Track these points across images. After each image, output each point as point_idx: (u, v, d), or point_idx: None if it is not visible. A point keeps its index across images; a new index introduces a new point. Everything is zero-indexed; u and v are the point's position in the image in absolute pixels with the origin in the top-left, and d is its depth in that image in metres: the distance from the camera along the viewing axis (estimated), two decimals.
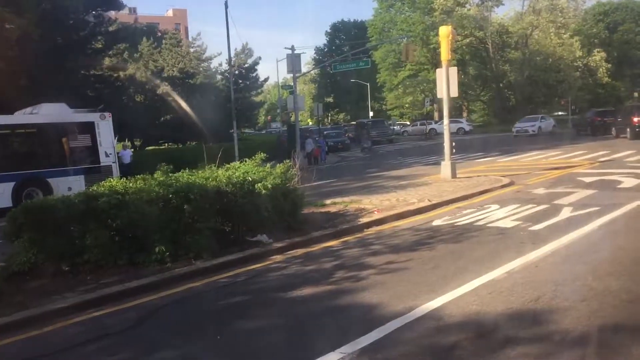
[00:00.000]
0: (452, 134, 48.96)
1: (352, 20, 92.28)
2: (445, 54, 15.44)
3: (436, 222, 10.76)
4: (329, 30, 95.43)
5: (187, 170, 9.96)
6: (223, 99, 40.34)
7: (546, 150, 25.54)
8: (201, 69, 47.56)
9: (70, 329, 6.17)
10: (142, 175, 9.09)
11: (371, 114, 77.11)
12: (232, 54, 52.07)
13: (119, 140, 34.62)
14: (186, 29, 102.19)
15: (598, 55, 62.35)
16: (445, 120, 16.04)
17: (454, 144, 16.54)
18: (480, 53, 69.61)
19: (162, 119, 33.07)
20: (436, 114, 75.98)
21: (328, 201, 13.45)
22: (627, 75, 69.63)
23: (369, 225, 10.77)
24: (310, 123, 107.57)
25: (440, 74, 15.81)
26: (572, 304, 5.76)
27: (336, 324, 5.73)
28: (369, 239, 9.81)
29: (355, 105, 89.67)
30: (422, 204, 12.30)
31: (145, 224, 7.97)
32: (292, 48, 30.61)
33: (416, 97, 69.98)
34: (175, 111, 34.86)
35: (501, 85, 69.07)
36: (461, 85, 68.91)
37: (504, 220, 10.32)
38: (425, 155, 28.76)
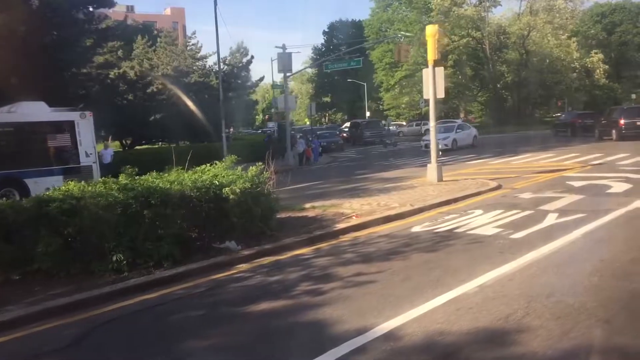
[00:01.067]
0: None
1: (350, 19, 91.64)
2: (431, 53, 15.00)
3: (415, 229, 10.33)
4: (326, 30, 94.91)
5: (155, 172, 9.51)
6: (217, 97, 39.84)
7: (539, 153, 25.13)
8: (195, 67, 47.13)
9: (2, 347, 5.73)
10: (103, 179, 8.65)
11: (368, 114, 76.85)
12: (228, 53, 52.01)
13: (111, 139, 34.29)
14: (184, 27, 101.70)
15: (595, 57, 62.01)
16: (432, 122, 15.60)
17: (440, 146, 16.08)
18: (478, 54, 69.22)
19: (152, 118, 32.55)
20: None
21: (308, 205, 13.02)
22: (625, 77, 69.33)
23: (345, 231, 10.34)
24: (308, 123, 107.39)
25: (427, 74, 15.38)
26: (544, 323, 5.34)
27: (287, 345, 5.30)
28: (343, 246, 9.38)
29: (353, 105, 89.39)
30: (403, 209, 11.87)
31: (101, 231, 7.54)
32: (284, 47, 30.22)
33: (413, 98, 69.47)
34: (166, 110, 34.41)
35: (498, 86, 68.72)
36: (458, 85, 68.91)
37: (485, 227, 9.89)
38: (417, 157, 28.32)
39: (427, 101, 53.54)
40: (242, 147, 32.94)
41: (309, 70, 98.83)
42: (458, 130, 33.91)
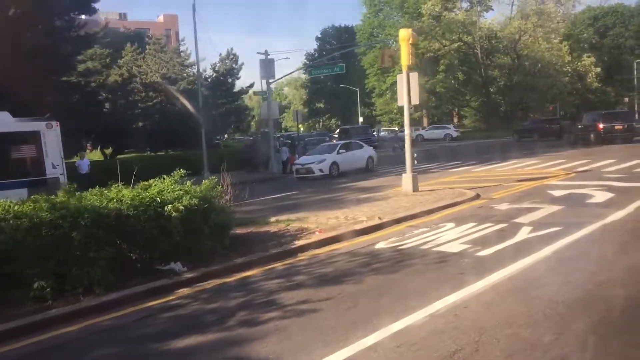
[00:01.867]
0: (439, 140, 48.62)
1: (342, 25, 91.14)
2: (405, 58, 14.38)
3: (379, 245, 9.69)
4: (319, 36, 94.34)
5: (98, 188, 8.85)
6: (205, 104, 39.19)
7: (525, 159, 24.56)
8: (185, 74, 46.52)
9: None
10: (34, 196, 7.99)
11: (361, 119, 76.36)
12: (217, 60, 51.39)
13: (91, 148, 33.63)
14: (177, 34, 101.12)
15: (587, 60, 61.56)
16: (407, 130, 14.96)
17: (415, 154, 15.47)
18: (470, 58, 68.73)
19: (134, 126, 31.94)
20: (425, 120, 75.31)
21: (273, 219, 12.38)
22: (618, 80, 68.87)
23: (304, 248, 9.69)
24: (302, 129, 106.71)
25: (401, 80, 14.76)
26: None
27: None
28: (298, 266, 8.73)
29: (347, 111, 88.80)
30: (370, 223, 11.24)
31: (20, 256, 6.87)
32: (266, 53, 29.60)
33: None
34: (150, 118, 33.86)
35: (491, 90, 68.21)
36: (450, 90, 68.37)
37: (452, 244, 9.25)
38: (402, 164, 27.57)
39: (415, 107, 53.05)
40: (225, 155, 32.27)
41: (303, 76, 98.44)
42: (341, 151, 25.79)
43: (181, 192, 8.71)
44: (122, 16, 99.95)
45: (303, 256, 9.34)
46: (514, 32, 61.92)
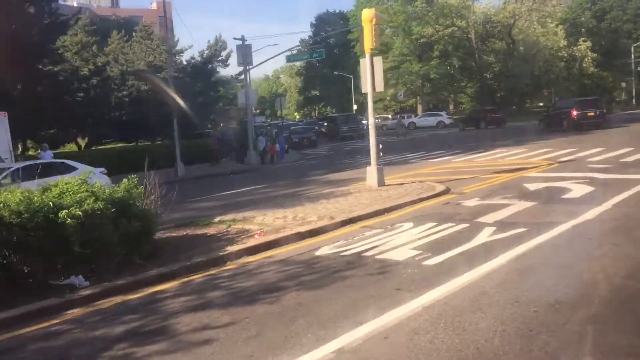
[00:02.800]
0: (431, 127, 47.58)
1: (337, 11, 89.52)
2: (368, 41, 13.15)
3: (321, 251, 8.57)
4: (314, 22, 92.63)
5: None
6: (184, 93, 37.78)
7: (512, 148, 23.38)
8: (172, 62, 45.17)
9: None
10: None
11: (355, 107, 74.96)
12: (205, 47, 49.96)
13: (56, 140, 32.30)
14: (171, 21, 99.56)
15: (583, 45, 60.02)
16: (370, 119, 13.76)
17: (381, 146, 14.30)
18: (464, 44, 67.11)
19: (107, 117, 30.69)
20: (419, 107, 73.88)
21: (217, 219, 11.27)
22: (616, 65, 67.27)
23: (236, 255, 8.58)
24: (298, 117, 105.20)
25: (364, 65, 13.55)
26: None
27: None
28: (219, 278, 7.63)
29: (342, 99, 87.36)
30: (320, 224, 10.13)
31: None
32: (242, 38, 28.36)
33: (398, 90, 67.40)
34: (126, 108, 32.68)
35: (487, 76, 66.68)
36: (445, 77, 67.00)
37: (401, 250, 8.15)
38: (385, 154, 26.48)
39: (404, 94, 51.39)
40: (201, 147, 31.22)
41: (297, 63, 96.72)
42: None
43: (85, 194, 7.59)
44: (114, 3, 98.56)
45: (231, 265, 8.24)
46: (508, 17, 60.37)
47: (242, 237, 9.51)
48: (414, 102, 75.86)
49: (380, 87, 13.42)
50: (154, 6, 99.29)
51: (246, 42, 28.21)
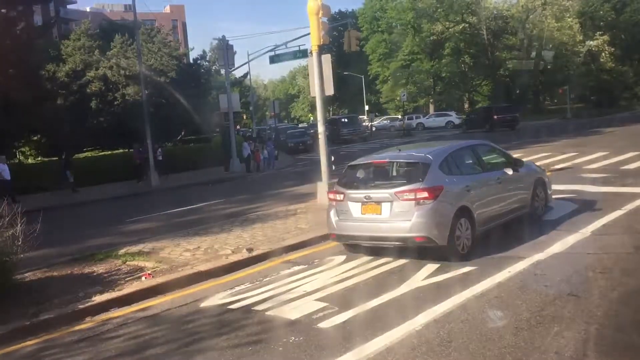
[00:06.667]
0: (440, 128, 45.28)
1: (350, 10, 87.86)
2: (315, 37, 11.24)
3: (208, 302, 6.80)
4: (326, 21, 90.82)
5: None
6: (185, 98, 36.01)
7: (510, 151, 21.17)
8: (174, 66, 43.77)
9: None
10: None
11: (367, 107, 72.83)
12: (208, 49, 48.53)
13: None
14: (184, 24, 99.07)
15: (600, 39, 57.01)
16: (320, 128, 11.81)
17: (333, 158, 12.39)
18: (476, 40, 64.51)
19: (87, 124, 29.14)
20: (431, 107, 71.35)
21: (123, 250, 9.53)
22: (636, 60, 64.01)
23: (104, 307, 6.84)
24: (312, 119, 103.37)
25: (311, 63, 11.65)
26: None
27: None
28: (53, 347, 5.87)
29: (355, 99, 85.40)
30: (232, 259, 8.37)
31: None
32: (223, 38, 26.66)
33: (409, 89, 65.09)
34: (107, 114, 31.22)
35: (502, 73, 63.93)
36: (457, 75, 64.48)
37: (303, 301, 6.38)
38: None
39: (408, 94, 49.30)
40: (186, 153, 29.63)
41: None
42: None
43: None
44: (127, 8, 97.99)
45: (87, 323, 6.47)
46: (521, 11, 57.70)
47: (128, 279, 7.77)
48: (425, 102, 73.44)
49: (329, 90, 11.55)
50: (167, 9, 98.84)
51: (229, 42, 26.47)
